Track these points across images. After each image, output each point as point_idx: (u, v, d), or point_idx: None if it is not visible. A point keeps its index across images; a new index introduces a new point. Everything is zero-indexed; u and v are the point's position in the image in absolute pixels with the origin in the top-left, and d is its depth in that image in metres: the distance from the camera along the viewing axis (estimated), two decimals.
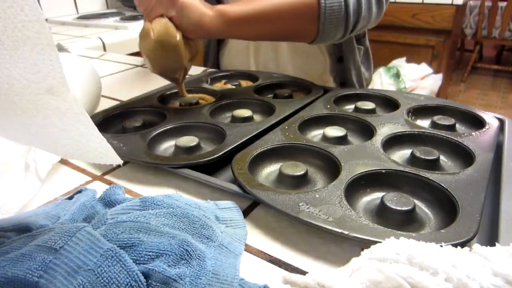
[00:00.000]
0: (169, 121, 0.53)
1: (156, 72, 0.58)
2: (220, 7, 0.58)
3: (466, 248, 0.25)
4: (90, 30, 1.41)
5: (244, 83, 0.73)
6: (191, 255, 0.27)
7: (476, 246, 0.25)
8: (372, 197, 0.39)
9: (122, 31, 1.37)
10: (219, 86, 0.72)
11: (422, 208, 0.37)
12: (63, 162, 0.48)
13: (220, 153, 0.43)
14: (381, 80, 2.21)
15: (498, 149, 0.46)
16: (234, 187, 0.39)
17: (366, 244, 0.28)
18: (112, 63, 0.97)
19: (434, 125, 0.51)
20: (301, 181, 0.41)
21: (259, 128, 0.50)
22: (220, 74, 0.76)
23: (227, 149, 0.44)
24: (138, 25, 1.39)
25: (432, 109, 0.56)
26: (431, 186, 0.37)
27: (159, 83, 0.72)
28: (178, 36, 0.54)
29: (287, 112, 0.55)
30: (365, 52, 0.90)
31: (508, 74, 3.47)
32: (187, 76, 0.63)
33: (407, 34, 2.34)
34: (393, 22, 2.33)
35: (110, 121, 0.56)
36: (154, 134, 0.50)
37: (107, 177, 0.45)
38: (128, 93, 0.71)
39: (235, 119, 0.55)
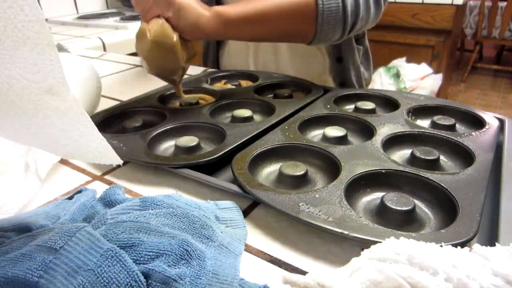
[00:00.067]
0: (169, 121, 0.53)
1: (153, 73, 0.58)
2: (217, 8, 0.58)
3: (466, 248, 0.25)
4: (90, 30, 1.41)
5: (244, 83, 0.73)
6: (191, 255, 0.27)
7: (476, 246, 0.25)
8: (372, 197, 0.39)
9: (122, 31, 1.37)
10: (219, 86, 0.72)
11: (422, 208, 0.37)
12: (63, 162, 0.48)
13: (220, 153, 0.43)
14: (381, 80, 2.21)
15: (498, 149, 0.46)
16: (234, 187, 0.39)
17: (366, 244, 0.28)
18: (112, 63, 0.97)
19: (434, 125, 0.51)
20: (301, 181, 0.41)
21: (259, 128, 0.50)
22: (220, 74, 0.76)
23: (227, 149, 0.44)
24: (138, 25, 1.38)
25: (432, 109, 0.56)
26: (431, 186, 0.37)
27: (159, 83, 0.72)
28: (174, 37, 0.54)
29: (287, 112, 0.55)
30: (365, 52, 0.90)
31: (508, 74, 3.47)
32: (187, 76, 0.63)
33: (407, 34, 2.34)
34: (393, 22, 2.33)
35: (110, 121, 0.56)
36: (154, 134, 0.50)
37: (107, 177, 0.45)
38: (128, 93, 0.71)
39: (235, 119, 0.55)
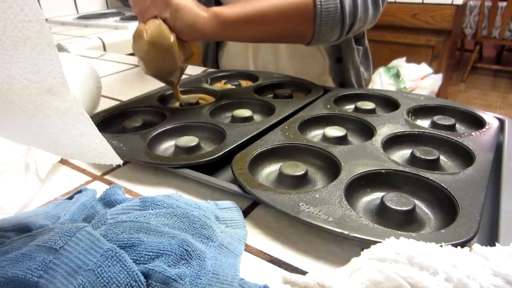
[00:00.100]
0: (169, 121, 0.53)
1: (150, 74, 0.57)
2: (215, 9, 0.58)
3: (466, 248, 0.25)
4: (90, 30, 1.41)
5: (244, 83, 0.73)
6: (191, 255, 0.27)
7: (476, 246, 0.25)
8: (372, 197, 0.39)
9: (122, 31, 1.37)
10: (219, 86, 0.72)
11: (422, 208, 0.37)
12: (63, 162, 0.48)
13: (220, 153, 0.43)
14: (381, 80, 2.21)
15: (498, 149, 0.46)
16: (234, 187, 0.39)
17: (366, 244, 0.28)
18: (112, 63, 0.97)
19: (434, 125, 0.51)
20: (301, 181, 0.41)
21: (259, 128, 0.50)
22: (220, 74, 0.76)
23: (227, 149, 0.44)
24: None
25: (432, 109, 0.56)
26: (431, 186, 0.37)
27: (159, 83, 0.72)
28: (172, 38, 0.54)
29: (287, 112, 0.55)
30: (364, 52, 0.90)
31: (508, 74, 3.47)
32: (187, 76, 0.63)
33: (407, 34, 2.34)
34: (393, 22, 2.33)
35: (110, 121, 0.56)
36: (154, 134, 0.50)
37: (107, 177, 0.45)
38: (128, 93, 0.71)
39: (235, 119, 0.55)
